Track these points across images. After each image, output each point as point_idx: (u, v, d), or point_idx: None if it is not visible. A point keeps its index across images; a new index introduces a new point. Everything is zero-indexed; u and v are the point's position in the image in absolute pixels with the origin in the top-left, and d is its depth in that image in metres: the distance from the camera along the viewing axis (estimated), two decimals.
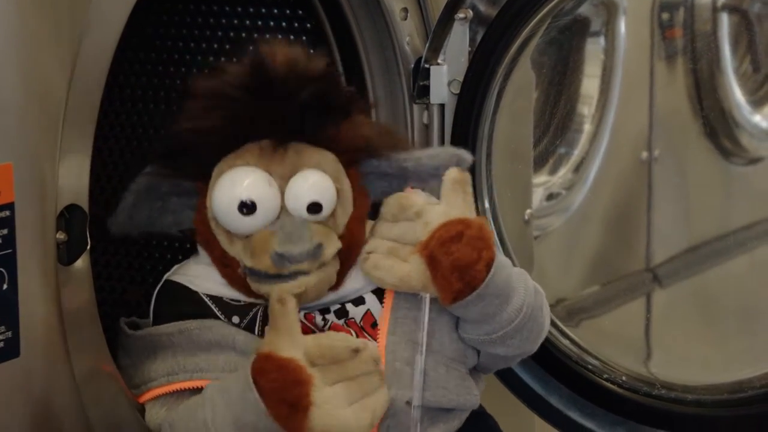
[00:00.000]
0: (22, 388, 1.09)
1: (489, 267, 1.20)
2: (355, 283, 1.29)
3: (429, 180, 1.30)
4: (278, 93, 1.23)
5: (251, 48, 1.29)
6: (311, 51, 1.30)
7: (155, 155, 1.32)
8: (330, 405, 1.12)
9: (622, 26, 1.93)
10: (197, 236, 1.29)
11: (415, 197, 1.24)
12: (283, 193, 1.24)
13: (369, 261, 1.24)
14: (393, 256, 1.23)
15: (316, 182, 1.25)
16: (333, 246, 1.24)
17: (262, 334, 1.24)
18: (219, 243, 1.26)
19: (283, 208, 1.24)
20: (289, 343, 1.14)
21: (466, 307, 1.21)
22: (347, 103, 1.29)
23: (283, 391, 1.11)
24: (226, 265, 1.26)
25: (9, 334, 1.06)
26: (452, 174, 1.25)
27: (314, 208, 1.24)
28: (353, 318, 1.28)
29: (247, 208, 1.22)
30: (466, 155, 1.31)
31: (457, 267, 1.18)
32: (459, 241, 1.18)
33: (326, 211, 1.25)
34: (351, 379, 1.15)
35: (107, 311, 1.32)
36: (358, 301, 1.30)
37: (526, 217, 1.74)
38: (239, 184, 1.23)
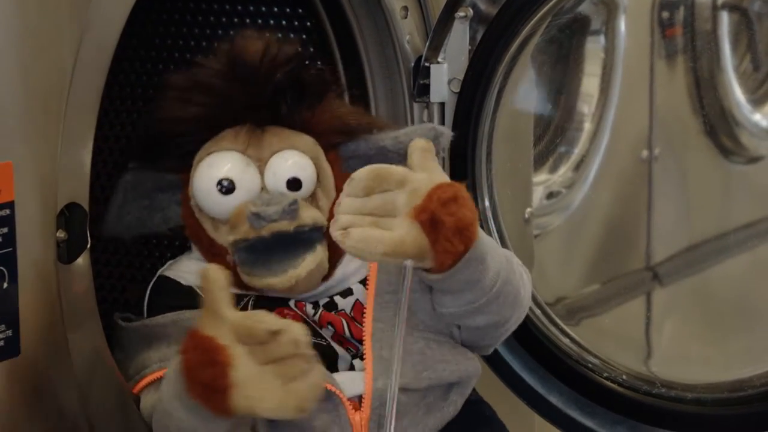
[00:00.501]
0: (22, 386, 1.09)
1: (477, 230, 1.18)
2: (341, 272, 1.30)
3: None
4: (252, 77, 1.25)
5: (222, 41, 1.30)
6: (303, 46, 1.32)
7: (136, 150, 1.33)
8: (252, 386, 1.06)
9: (622, 25, 1.93)
10: (186, 230, 1.30)
11: (393, 167, 1.19)
12: (262, 175, 1.26)
13: (352, 235, 1.14)
14: (376, 227, 1.16)
15: (295, 161, 1.27)
16: (312, 212, 1.24)
17: None
18: (206, 232, 1.27)
19: (263, 189, 1.26)
20: (213, 321, 1.08)
21: (453, 275, 1.18)
22: (320, 83, 1.30)
23: (198, 370, 1.06)
24: (214, 254, 1.27)
25: (9, 332, 1.06)
26: (419, 144, 1.21)
27: (294, 184, 1.26)
28: (343, 309, 1.29)
29: (226, 185, 1.24)
30: (444, 129, 1.32)
31: (459, 227, 1.15)
32: (456, 202, 1.15)
33: (306, 187, 1.26)
34: (277, 361, 1.07)
35: (107, 309, 1.33)
36: (346, 292, 1.30)
37: (527, 216, 1.74)
38: (217, 166, 1.25)
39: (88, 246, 1.14)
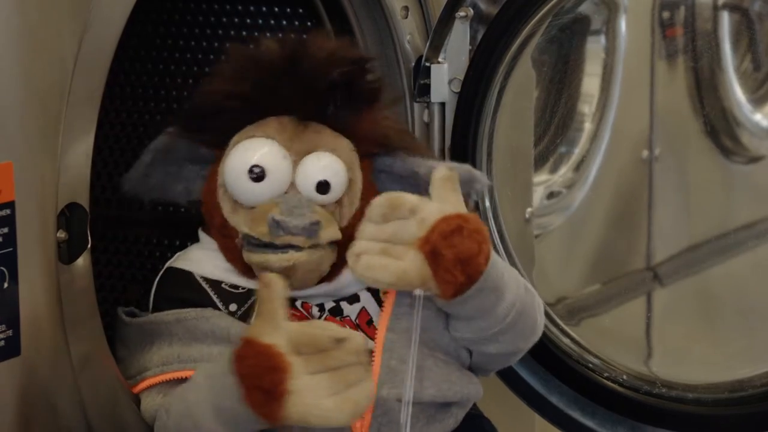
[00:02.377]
0: (23, 386, 1.09)
1: (487, 260, 1.19)
2: (350, 276, 1.29)
3: None
4: (309, 70, 1.25)
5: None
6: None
7: (179, 115, 1.33)
8: (309, 394, 1.09)
9: (622, 25, 1.93)
10: (202, 206, 1.31)
11: (406, 195, 1.22)
12: (295, 170, 1.25)
13: (361, 262, 1.19)
14: (386, 255, 1.19)
15: (329, 164, 1.26)
16: (332, 231, 1.24)
17: None
18: (221, 211, 1.27)
19: (292, 185, 1.25)
20: (272, 328, 1.11)
21: (464, 302, 1.20)
22: (373, 90, 1.30)
23: (258, 378, 1.09)
24: (224, 236, 1.28)
25: (10, 332, 1.06)
26: (441, 172, 1.23)
27: (323, 187, 1.25)
28: (348, 316, 1.29)
29: (257, 172, 1.24)
30: (480, 175, 1.32)
31: (460, 260, 1.16)
32: (460, 234, 1.17)
33: (334, 193, 1.26)
34: (335, 369, 1.11)
35: (108, 310, 1.33)
36: (353, 298, 1.30)
37: (527, 216, 1.74)
38: (253, 151, 1.25)
39: (89, 246, 1.14)
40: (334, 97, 1.27)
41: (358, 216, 1.27)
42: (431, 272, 1.17)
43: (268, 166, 1.24)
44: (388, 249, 1.19)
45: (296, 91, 1.26)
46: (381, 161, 1.32)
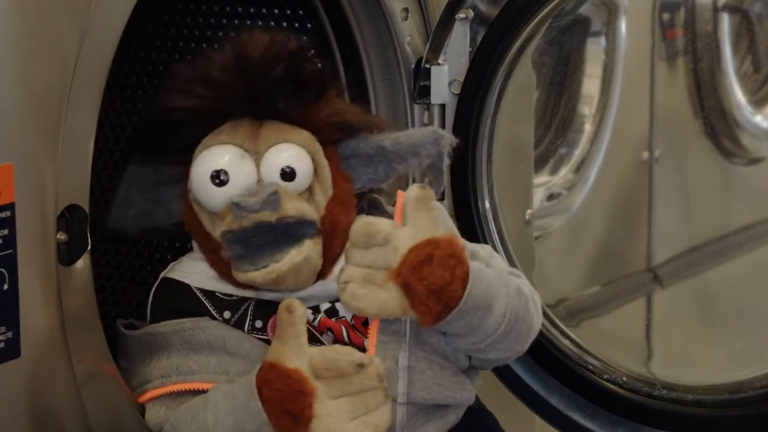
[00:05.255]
0: (23, 388, 1.09)
1: (465, 283, 1.18)
2: None
3: (409, 159, 1.30)
4: (252, 71, 1.25)
5: (233, 34, 1.31)
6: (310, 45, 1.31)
7: (139, 141, 1.34)
8: (332, 418, 1.12)
9: (622, 26, 1.93)
10: (185, 225, 1.31)
11: (381, 223, 1.21)
12: (258, 167, 1.26)
13: (347, 291, 1.19)
14: (369, 283, 1.19)
15: (291, 154, 1.26)
16: (299, 205, 1.23)
17: (252, 330, 1.26)
18: (203, 227, 1.27)
19: (259, 182, 1.25)
20: (295, 353, 1.14)
21: (449, 324, 1.20)
22: (320, 79, 1.30)
23: (286, 402, 1.11)
24: (211, 250, 1.28)
25: (9, 334, 1.06)
26: (413, 192, 1.21)
27: (288, 175, 1.25)
28: (344, 317, 1.28)
29: (220, 177, 1.23)
30: (445, 132, 1.30)
31: (432, 291, 1.16)
32: (430, 264, 1.16)
33: (301, 179, 1.26)
34: (355, 393, 1.14)
35: (108, 311, 1.33)
36: None
37: (527, 218, 1.74)
38: (213, 159, 1.25)
39: (89, 248, 1.14)
40: (281, 92, 1.27)
41: (335, 204, 1.28)
42: (408, 303, 1.17)
43: (229, 168, 1.24)
44: (372, 276, 1.19)
45: (244, 94, 1.26)
46: (345, 146, 1.32)
